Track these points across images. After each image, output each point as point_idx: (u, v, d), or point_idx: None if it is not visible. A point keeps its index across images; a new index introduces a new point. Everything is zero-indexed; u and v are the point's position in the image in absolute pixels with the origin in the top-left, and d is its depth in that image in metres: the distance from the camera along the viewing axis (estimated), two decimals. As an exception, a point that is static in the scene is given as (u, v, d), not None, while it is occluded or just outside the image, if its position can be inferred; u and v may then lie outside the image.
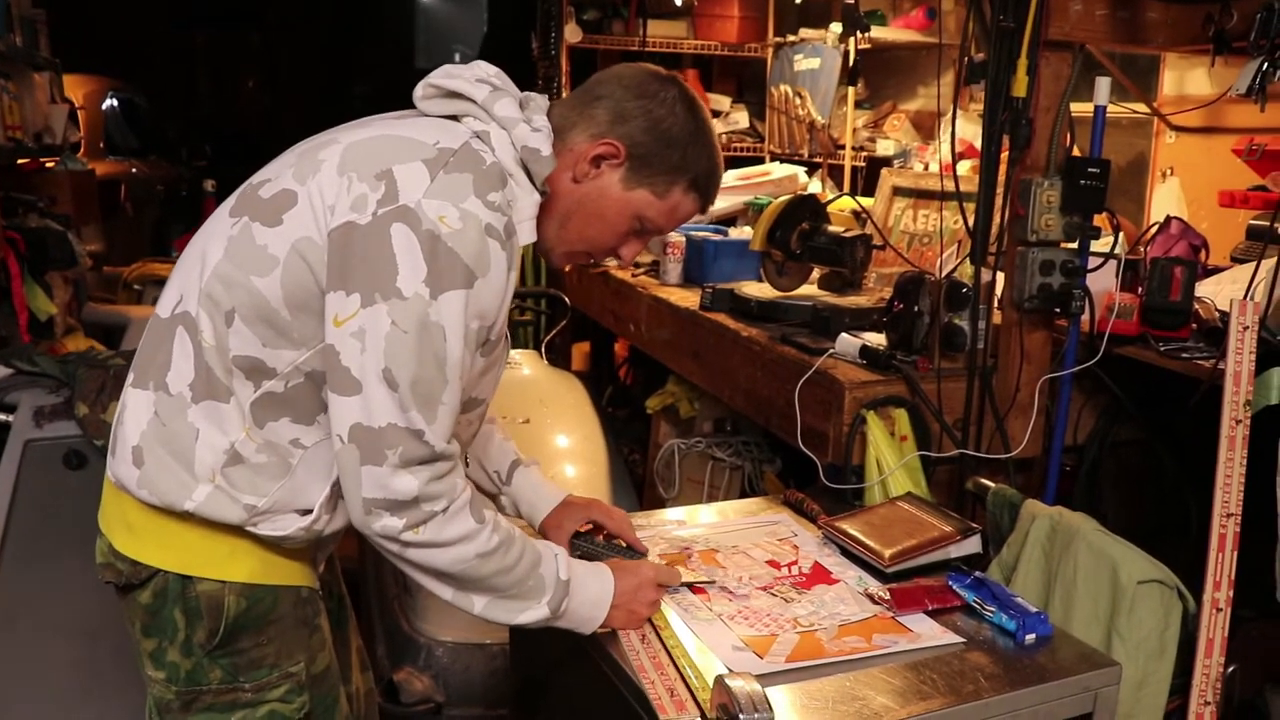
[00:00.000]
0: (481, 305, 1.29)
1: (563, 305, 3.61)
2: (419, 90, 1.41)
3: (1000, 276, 2.26)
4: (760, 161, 4.42)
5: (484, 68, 1.42)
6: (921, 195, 3.38)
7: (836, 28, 3.75)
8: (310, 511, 1.36)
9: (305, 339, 1.30)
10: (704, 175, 1.45)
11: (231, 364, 1.31)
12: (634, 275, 3.44)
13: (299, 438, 1.34)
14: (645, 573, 1.51)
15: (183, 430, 1.32)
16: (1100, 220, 2.17)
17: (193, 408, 1.32)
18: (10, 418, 2.46)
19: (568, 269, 3.85)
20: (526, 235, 1.36)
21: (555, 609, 1.40)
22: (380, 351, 1.23)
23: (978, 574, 1.61)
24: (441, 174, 1.27)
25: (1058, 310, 2.19)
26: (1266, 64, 1.86)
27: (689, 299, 3.02)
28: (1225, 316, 1.98)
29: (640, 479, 3.61)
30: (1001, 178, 2.18)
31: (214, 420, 1.32)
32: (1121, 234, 2.48)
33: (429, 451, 1.26)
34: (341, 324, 1.25)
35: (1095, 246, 2.18)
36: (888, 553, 1.67)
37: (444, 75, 1.40)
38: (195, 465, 1.32)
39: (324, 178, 1.29)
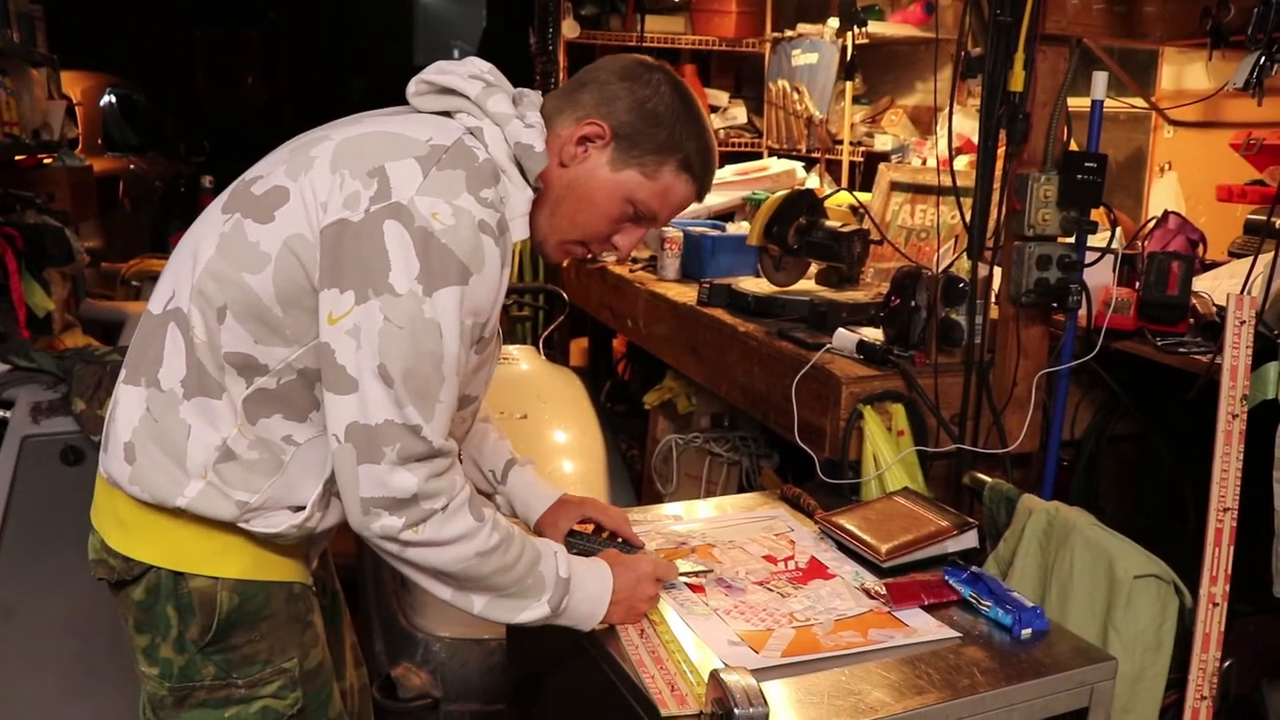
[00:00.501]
0: (476, 302, 1.28)
1: (561, 301, 3.61)
2: (412, 86, 1.40)
3: (997, 271, 2.26)
4: (758, 156, 4.42)
5: (477, 64, 1.42)
6: (919, 190, 3.37)
7: (834, 22, 3.74)
8: (303, 508, 1.35)
9: (297, 336, 1.30)
10: (695, 155, 1.43)
11: (223, 360, 1.30)
12: (631, 270, 3.44)
13: (291, 434, 1.34)
14: (643, 567, 1.50)
15: (174, 426, 1.32)
16: (1097, 215, 2.17)
17: (184, 404, 1.32)
18: (8, 414, 2.47)
19: (565, 264, 3.85)
20: (519, 232, 1.35)
21: (555, 607, 1.39)
22: (374, 348, 1.23)
23: (974, 569, 1.61)
24: (434, 170, 1.26)
25: (1055, 305, 2.19)
26: (1264, 58, 1.85)
27: (686, 294, 3.02)
28: (1222, 311, 1.98)
29: (638, 474, 3.61)
30: (999, 172, 2.17)
31: (206, 416, 1.32)
32: (1119, 229, 2.48)
33: (427, 448, 1.26)
34: (336, 321, 1.24)
35: (1092, 241, 2.18)
36: (884, 547, 1.67)
37: (437, 71, 1.39)
38: (187, 461, 1.32)
39: (316, 174, 1.29)
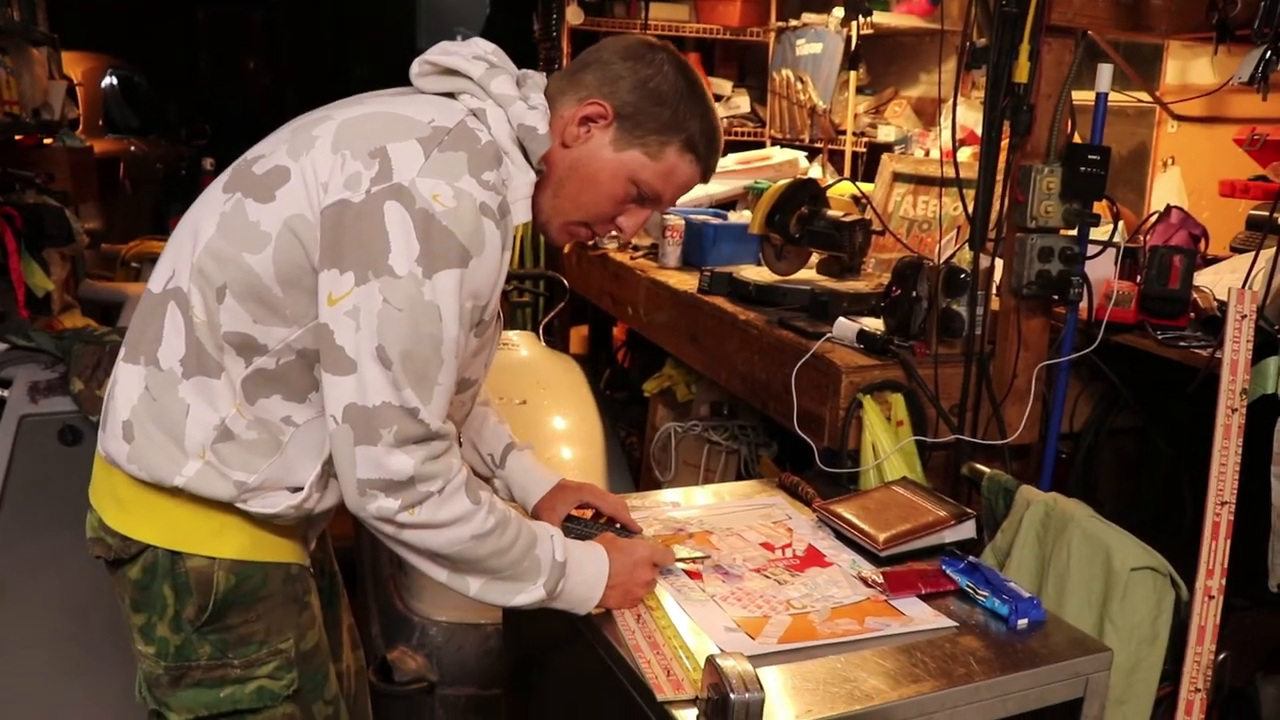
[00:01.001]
0: (476, 284, 1.28)
1: (561, 287, 3.60)
2: (415, 67, 1.40)
3: (999, 263, 2.26)
4: (761, 146, 4.40)
5: (481, 45, 1.41)
6: (922, 181, 3.37)
7: (839, 12, 3.74)
8: (301, 489, 1.35)
9: (297, 316, 1.30)
10: (699, 135, 1.41)
11: (223, 340, 1.30)
12: (632, 258, 3.44)
13: (290, 415, 1.34)
14: (640, 552, 1.50)
15: (173, 405, 1.32)
16: (1100, 208, 2.16)
17: (183, 383, 1.32)
18: (6, 393, 2.46)
19: (566, 250, 3.84)
20: (521, 214, 1.35)
21: (551, 590, 1.39)
22: (373, 330, 1.23)
23: (971, 559, 1.61)
24: (436, 152, 1.26)
25: (1056, 297, 2.19)
26: (1269, 52, 1.85)
27: (687, 282, 3.01)
28: (1223, 305, 1.98)
29: (637, 462, 3.62)
30: (1002, 164, 2.17)
31: (205, 396, 1.32)
32: (1121, 222, 2.48)
33: (424, 430, 1.26)
34: (335, 302, 1.24)
35: (1094, 234, 2.18)
36: (882, 536, 1.67)
37: (440, 52, 1.39)
38: (185, 441, 1.32)
39: (318, 154, 1.28)
